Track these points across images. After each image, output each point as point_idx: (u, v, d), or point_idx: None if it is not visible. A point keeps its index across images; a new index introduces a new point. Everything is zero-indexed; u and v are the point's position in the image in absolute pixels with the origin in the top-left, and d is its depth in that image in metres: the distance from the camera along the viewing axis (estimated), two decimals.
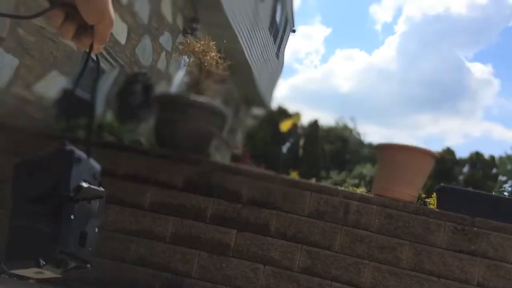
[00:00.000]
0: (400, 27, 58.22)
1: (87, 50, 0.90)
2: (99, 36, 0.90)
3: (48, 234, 0.71)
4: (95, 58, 0.96)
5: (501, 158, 23.05)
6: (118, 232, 3.24)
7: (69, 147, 0.78)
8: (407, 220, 3.08)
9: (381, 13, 60.24)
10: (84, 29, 0.87)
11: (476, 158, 21.34)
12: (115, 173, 3.33)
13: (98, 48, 0.93)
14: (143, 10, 6.09)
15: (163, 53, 6.93)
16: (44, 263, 0.69)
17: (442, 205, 3.25)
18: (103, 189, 0.80)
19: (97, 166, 0.87)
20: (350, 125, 28.07)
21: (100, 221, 0.80)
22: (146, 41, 6.29)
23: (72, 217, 0.73)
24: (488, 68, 54.18)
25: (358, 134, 27.98)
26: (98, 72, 1.22)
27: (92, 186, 0.77)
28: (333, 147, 25.55)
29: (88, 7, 0.83)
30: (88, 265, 0.75)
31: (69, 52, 4.59)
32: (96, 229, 0.78)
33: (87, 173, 0.81)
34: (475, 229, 3.03)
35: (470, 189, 4.48)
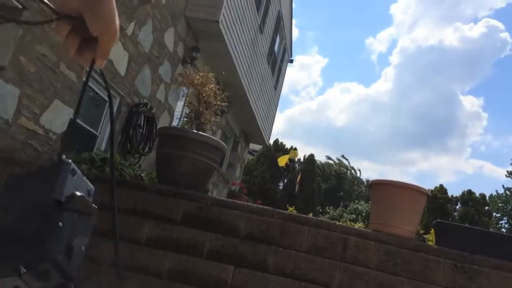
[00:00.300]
0: (395, 58, 59.31)
1: (88, 68, 0.92)
2: (103, 48, 0.91)
3: (33, 239, 0.63)
4: (107, 99, 0.97)
5: (492, 196, 23.19)
6: (112, 266, 3.18)
7: (66, 159, 0.76)
8: (406, 257, 3.05)
9: (376, 45, 61.47)
10: (87, 43, 0.87)
11: (468, 196, 21.46)
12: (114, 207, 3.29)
13: (101, 63, 0.96)
14: (146, 40, 6.19)
15: (162, 84, 6.99)
16: (24, 271, 0.61)
17: (440, 241, 3.22)
18: (95, 206, 0.78)
19: (91, 185, 0.86)
20: (345, 161, 28.17)
21: (88, 240, 0.76)
22: (146, 72, 6.36)
23: (60, 224, 0.66)
24: (479, 101, 54.97)
25: (354, 170, 28.00)
26: (112, 112, 1.16)
27: (86, 198, 0.75)
28: (329, 183, 25.51)
29: (95, 17, 0.83)
30: (72, 286, 0.69)
31: (69, 82, 4.63)
32: (83, 248, 0.74)
33: (82, 187, 0.79)
34: (475, 267, 3.00)
35: (467, 225, 4.46)
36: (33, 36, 3.98)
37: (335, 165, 27.75)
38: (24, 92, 4.00)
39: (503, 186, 23.74)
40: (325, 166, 27.34)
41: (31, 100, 4.12)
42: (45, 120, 4.38)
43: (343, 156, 28.28)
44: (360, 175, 27.83)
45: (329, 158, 28.53)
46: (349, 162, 28.33)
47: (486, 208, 21.84)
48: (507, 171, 23.38)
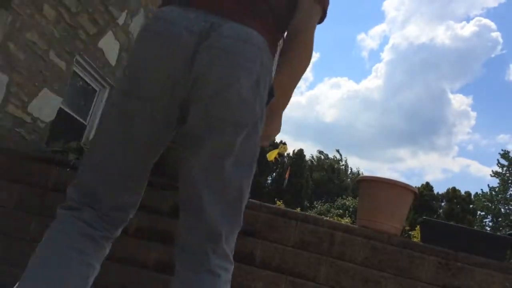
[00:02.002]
0: (386, 55, 59.48)
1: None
2: (265, 136, 1.44)
3: None
4: None
5: (477, 194, 23.49)
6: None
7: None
8: (391, 253, 3.08)
9: (368, 41, 61.59)
10: None
11: (453, 194, 21.73)
12: None
13: (264, 144, 1.46)
14: (138, 30, 6.14)
15: None
16: None
17: (426, 238, 3.26)
18: None
19: None
20: (338, 155, 28.29)
21: None
22: None
23: None
24: (468, 100, 55.45)
25: (344, 165, 28.15)
26: None
27: None
28: (318, 178, 25.64)
29: (271, 125, 1.48)
30: None
31: (59, 71, 4.58)
32: None
33: None
34: (459, 264, 3.04)
35: (453, 223, 4.52)
36: (22, 23, 3.93)
37: (327, 159, 27.87)
38: (12, 80, 3.95)
39: (488, 185, 24.08)
40: (316, 160, 27.47)
41: (20, 88, 4.07)
42: (33, 108, 4.33)
43: (337, 151, 28.39)
44: (350, 171, 28.02)
45: (321, 152, 28.63)
46: (341, 156, 28.47)
47: (471, 206, 22.14)
48: (492, 171, 23.69)
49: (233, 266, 1.51)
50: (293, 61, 1.41)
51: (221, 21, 1.21)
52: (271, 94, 1.31)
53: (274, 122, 1.47)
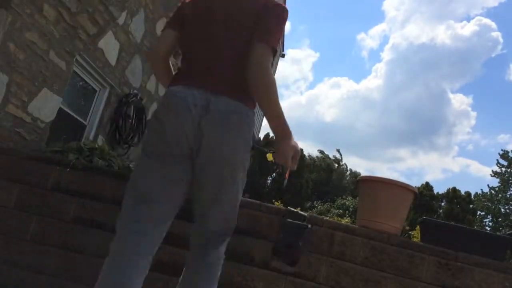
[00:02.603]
0: (386, 54, 59.35)
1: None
2: (279, 161, 1.93)
3: None
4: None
5: (477, 194, 23.49)
6: (98, 257, 3.17)
7: None
8: (391, 253, 3.08)
9: (368, 40, 61.50)
10: None
11: (453, 194, 21.72)
12: (102, 197, 3.29)
13: (291, 166, 1.96)
14: (138, 30, 6.14)
15: (153, 75, 6.95)
16: None
17: (425, 238, 3.26)
18: None
19: None
20: (338, 156, 28.25)
21: None
22: (137, 62, 6.32)
23: None
24: (469, 100, 55.33)
25: (344, 165, 28.13)
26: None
27: None
28: (317, 178, 25.63)
29: (278, 152, 1.91)
30: None
31: (58, 71, 4.58)
32: None
33: None
34: (459, 264, 3.05)
35: (453, 223, 4.52)
36: (22, 23, 3.92)
37: (328, 158, 27.82)
38: (12, 80, 3.95)
39: (488, 185, 24.05)
40: (316, 160, 27.45)
41: (20, 88, 4.07)
42: (33, 108, 4.33)
43: (338, 151, 28.35)
44: (348, 171, 27.99)
45: (321, 152, 28.57)
46: (341, 156, 28.42)
47: (471, 206, 22.14)
48: (492, 171, 23.68)
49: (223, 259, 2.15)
50: (259, 101, 1.87)
51: (215, 98, 1.78)
52: (257, 142, 1.62)
53: (279, 149, 1.89)
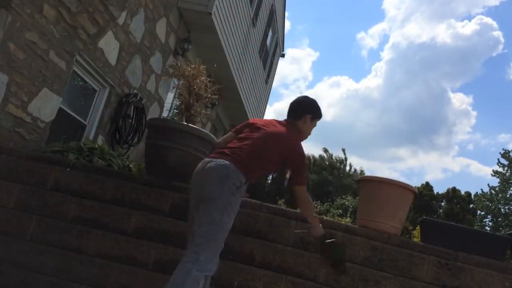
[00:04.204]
0: (386, 54, 59.14)
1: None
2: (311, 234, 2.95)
3: None
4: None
5: (477, 194, 23.47)
6: (98, 257, 3.17)
7: None
8: (391, 253, 3.08)
9: (368, 39, 61.33)
10: None
11: (453, 194, 21.70)
12: (102, 197, 3.29)
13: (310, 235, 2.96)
14: (137, 30, 6.14)
15: (153, 75, 6.95)
16: None
17: (426, 238, 3.26)
18: None
19: None
20: (342, 155, 28.16)
21: None
22: (137, 62, 6.32)
23: None
24: (469, 99, 55.16)
25: (345, 165, 28.06)
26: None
27: None
28: (317, 178, 25.61)
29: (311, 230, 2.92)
30: None
31: (58, 71, 4.58)
32: None
33: None
34: (459, 264, 3.05)
35: (453, 223, 4.52)
36: (22, 23, 3.92)
37: (332, 158, 27.70)
38: (12, 79, 3.95)
39: (488, 185, 23.97)
40: (317, 160, 27.40)
41: (20, 88, 4.07)
42: (33, 108, 4.33)
43: (343, 150, 28.22)
44: (351, 170, 27.90)
45: (326, 150, 28.46)
46: (345, 155, 28.31)
47: (471, 206, 22.12)
48: (493, 170, 23.66)
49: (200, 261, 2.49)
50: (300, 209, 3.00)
51: (214, 160, 2.69)
52: (241, 186, 2.65)
53: (311, 229, 2.89)
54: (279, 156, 2.77)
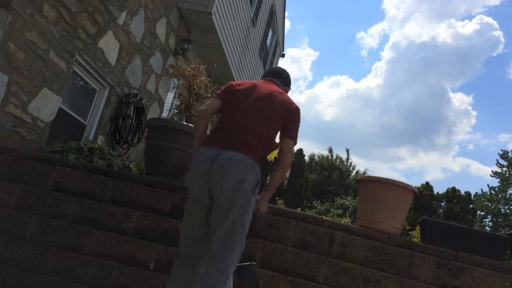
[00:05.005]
0: (386, 53, 59.02)
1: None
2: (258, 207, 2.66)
3: None
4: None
5: (476, 194, 23.50)
6: (98, 257, 3.17)
7: None
8: (391, 253, 3.08)
9: (368, 39, 61.24)
10: None
11: (453, 194, 21.70)
12: (102, 197, 3.29)
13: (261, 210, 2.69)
14: (137, 30, 6.14)
15: (153, 75, 6.95)
16: None
17: (425, 238, 3.26)
18: None
19: None
20: (344, 156, 28.15)
21: None
22: (137, 62, 6.32)
23: None
24: (469, 99, 55.06)
25: (346, 165, 28.05)
26: None
27: None
28: (317, 178, 25.62)
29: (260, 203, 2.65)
30: None
31: (58, 71, 4.58)
32: None
33: None
34: (459, 264, 3.05)
35: (453, 223, 4.52)
36: (22, 23, 3.92)
37: (334, 158, 27.71)
38: (12, 79, 3.95)
39: (488, 185, 23.99)
40: (315, 160, 27.41)
41: (20, 88, 4.07)
42: (33, 108, 4.33)
43: (347, 150, 28.22)
44: (352, 170, 27.88)
45: (330, 150, 28.44)
46: (348, 155, 28.31)
47: (471, 206, 22.12)
48: (492, 171, 23.67)
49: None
50: (275, 173, 2.63)
51: (221, 151, 2.45)
52: (259, 182, 2.48)
53: (261, 202, 2.64)
54: (282, 124, 2.63)
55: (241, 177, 2.40)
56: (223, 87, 2.77)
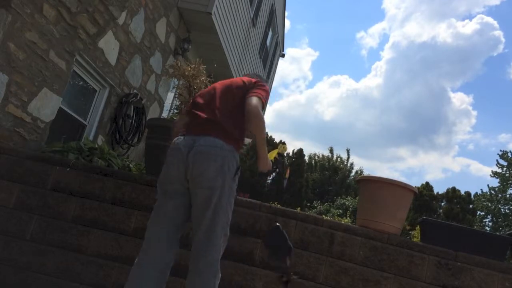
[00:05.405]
0: (387, 53, 58.98)
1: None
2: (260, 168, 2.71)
3: None
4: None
5: (476, 194, 23.54)
6: (98, 257, 3.17)
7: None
8: (391, 253, 3.08)
9: (367, 39, 61.20)
10: None
11: (453, 194, 21.72)
12: (102, 197, 3.29)
13: (262, 170, 2.69)
14: (138, 30, 6.14)
15: (153, 75, 6.95)
16: None
17: (425, 238, 3.26)
18: None
19: None
20: (344, 156, 28.21)
21: None
22: (137, 62, 6.32)
23: None
24: (469, 99, 55.02)
25: (346, 165, 28.07)
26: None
27: None
28: (317, 177, 25.62)
29: (259, 163, 2.70)
30: None
31: (58, 71, 4.58)
32: None
33: None
34: (459, 264, 3.05)
35: (453, 223, 4.52)
36: (22, 23, 3.93)
37: (334, 158, 27.75)
38: (12, 79, 3.95)
39: (488, 185, 24.01)
40: (315, 160, 27.45)
41: (20, 88, 4.07)
42: (33, 108, 4.33)
43: (347, 151, 28.27)
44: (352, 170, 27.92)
45: (331, 150, 28.48)
46: (348, 155, 28.34)
47: (471, 206, 22.13)
48: (492, 171, 23.69)
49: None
50: (251, 131, 2.53)
51: (199, 138, 2.42)
52: (239, 168, 2.46)
53: (260, 161, 2.66)
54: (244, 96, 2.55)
55: (220, 163, 2.35)
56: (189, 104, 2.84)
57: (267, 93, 2.65)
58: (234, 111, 2.53)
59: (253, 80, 2.68)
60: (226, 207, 2.40)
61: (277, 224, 2.78)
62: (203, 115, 2.53)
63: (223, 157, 2.37)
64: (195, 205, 2.40)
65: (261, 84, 2.64)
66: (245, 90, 2.59)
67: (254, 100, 2.48)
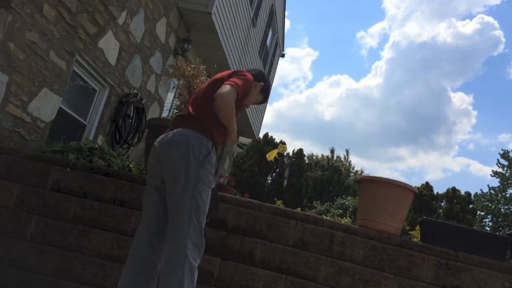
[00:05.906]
0: (387, 53, 58.99)
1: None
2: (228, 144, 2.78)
3: None
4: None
5: (476, 194, 23.57)
6: (98, 257, 3.17)
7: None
8: (391, 253, 3.08)
9: (367, 39, 61.22)
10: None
11: (452, 194, 21.74)
12: (102, 197, 3.29)
13: (228, 144, 2.76)
14: (137, 30, 6.14)
15: (153, 75, 6.95)
16: None
17: (426, 238, 3.26)
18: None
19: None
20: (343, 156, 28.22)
21: None
22: (137, 62, 6.32)
23: None
24: (469, 99, 55.03)
25: (346, 165, 28.08)
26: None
27: None
28: (317, 177, 25.63)
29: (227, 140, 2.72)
30: None
31: (58, 71, 4.58)
32: None
33: None
34: (459, 264, 3.05)
35: (453, 223, 4.52)
36: (22, 23, 3.93)
37: (334, 159, 27.79)
38: (12, 79, 3.95)
39: (488, 185, 24.04)
40: (316, 160, 27.46)
41: (20, 88, 4.07)
42: (33, 108, 4.33)
43: (347, 151, 28.30)
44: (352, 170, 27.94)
45: (332, 151, 28.52)
46: (348, 155, 28.38)
47: (471, 206, 22.15)
48: (492, 171, 23.72)
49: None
50: (219, 118, 2.52)
51: (171, 132, 2.51)
52: (208, 154, 2.44)
53: (227, 138, 2.69)
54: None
55: (184, 149, 2.38)
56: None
57: (246, 81, 2.62)
58: (209, 102, 2.53)
59: (238, 71, 2.69)
60: (193, 191, 2.35)
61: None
62: (184, 112, 2.64)
63: (187, 143, 2.40)
64: (166, 195, 2.44)
65: (240, 73, 2.64)
66: (224, 79, 2.61)
67: (223, 88, 2.47)
